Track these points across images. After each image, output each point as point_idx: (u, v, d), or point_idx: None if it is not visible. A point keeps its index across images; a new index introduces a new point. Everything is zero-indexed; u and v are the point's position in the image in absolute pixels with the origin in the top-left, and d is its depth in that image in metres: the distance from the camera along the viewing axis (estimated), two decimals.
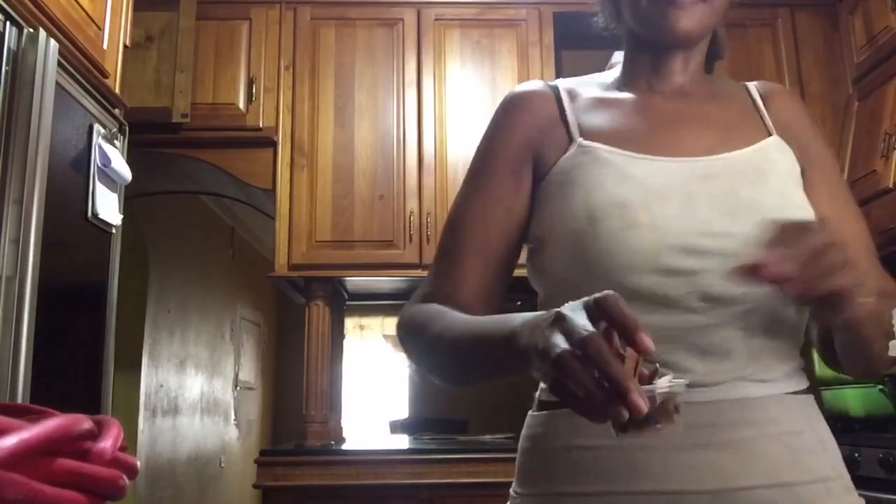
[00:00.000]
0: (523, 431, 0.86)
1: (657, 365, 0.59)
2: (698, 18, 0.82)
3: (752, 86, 0.94)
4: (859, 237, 0.85)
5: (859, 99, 2.75)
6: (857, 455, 2.04)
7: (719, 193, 0.78)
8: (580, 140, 0.84)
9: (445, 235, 0.90)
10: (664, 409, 0.57)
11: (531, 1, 2.99)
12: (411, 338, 0.84)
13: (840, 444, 0.82)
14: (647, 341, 0.54)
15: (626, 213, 0.76)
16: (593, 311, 0.56)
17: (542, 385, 0.84)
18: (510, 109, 0.91)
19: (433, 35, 2.95)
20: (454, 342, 0.76)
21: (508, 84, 2.90)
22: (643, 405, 0.52)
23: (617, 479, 0.74)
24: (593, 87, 0.93)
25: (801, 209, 0.80)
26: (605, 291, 0.57)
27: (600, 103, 0.90)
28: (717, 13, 0.85)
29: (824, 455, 0.78)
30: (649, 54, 0.90)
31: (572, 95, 0.90)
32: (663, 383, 0.57)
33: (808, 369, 0.87)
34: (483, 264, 0.86)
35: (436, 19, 2.96)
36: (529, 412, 0.87)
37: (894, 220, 2.30)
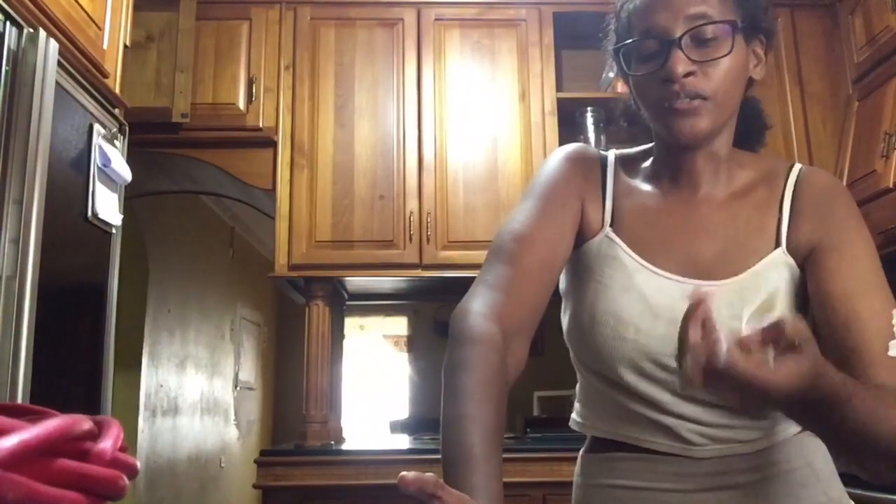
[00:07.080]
0: (576, 469, 1.01)
1: None
2: (705, 118, 0.85)
3: (794, 174, 0.93)
4: (877, 317, 0.82)
5: (859, 99, 2.75)
6: None
7: None
8: (609, 231, 0.94)
9: (511, 246, 0.90)
10: None
11: (531, 1, 2.99)
12: (446, 378, 0.80)
13: None
14: None
15: (618, 326, 0.89)
16: None
17: (575, 416, 1.00)
18: (568, 161, 0.98)
19: (433, 35, 2.95)
20: (445, 431, 0.73)
21: (508, 83, 2.91)
22: None
23: None
24: (630, 168, 0.99)
25: None
26: None
27: (631, 191, 0.97)
28: (725, 107, 0.86)
29: (817, 484, 0.88)
30: (671, 152, 0.94)
31: (615, 175, 0.98)
32: None
33: None
34: (548, 285, 0.91)
35: (436, 19, 2.96)
36: (582, 451, 1.02)
37: (894, 220, 2.31)
